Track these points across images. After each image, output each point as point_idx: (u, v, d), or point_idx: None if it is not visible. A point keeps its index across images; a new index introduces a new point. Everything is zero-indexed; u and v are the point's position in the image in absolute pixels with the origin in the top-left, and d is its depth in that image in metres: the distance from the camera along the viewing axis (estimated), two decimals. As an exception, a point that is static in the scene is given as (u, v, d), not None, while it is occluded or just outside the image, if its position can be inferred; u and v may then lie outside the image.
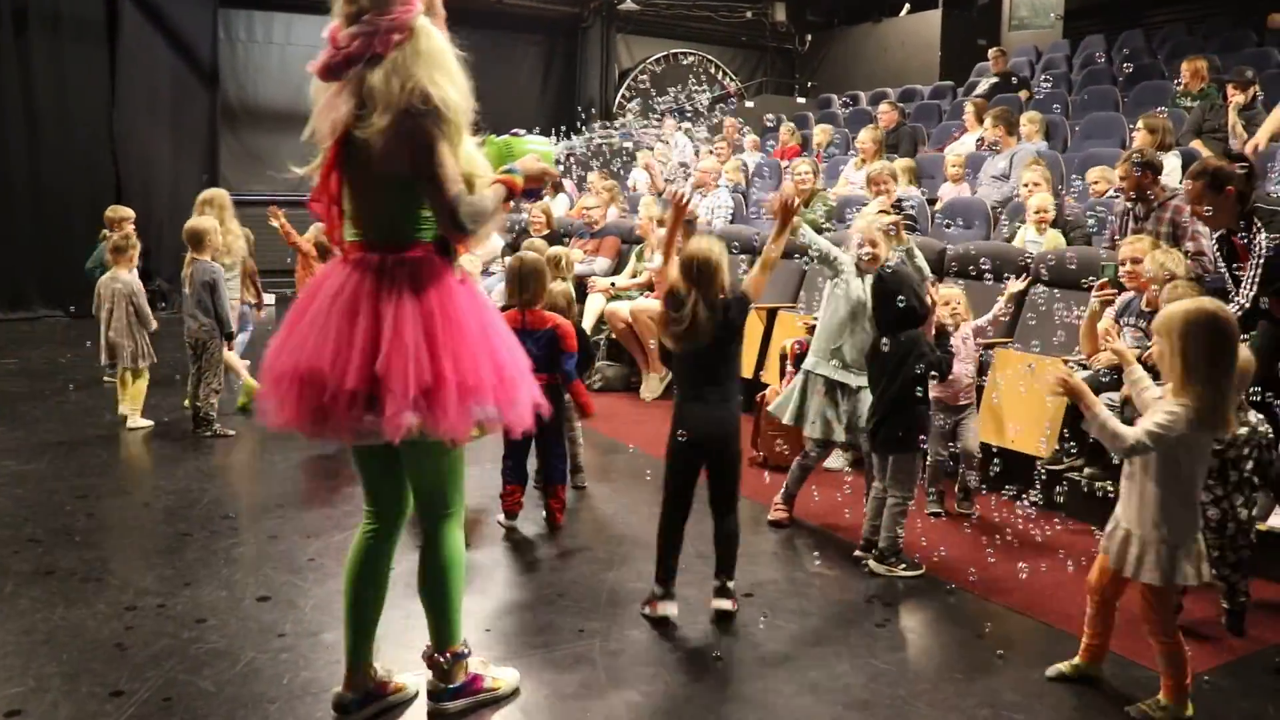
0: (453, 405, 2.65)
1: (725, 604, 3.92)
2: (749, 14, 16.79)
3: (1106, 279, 5.00)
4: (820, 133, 11.62)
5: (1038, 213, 6.58)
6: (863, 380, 4.73)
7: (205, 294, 6.43)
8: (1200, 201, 4.54)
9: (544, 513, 4.95)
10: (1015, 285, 4.79)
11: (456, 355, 2.68)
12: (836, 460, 5.84)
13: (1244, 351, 3.74)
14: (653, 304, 7.22)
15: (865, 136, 9.42)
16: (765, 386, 6.32)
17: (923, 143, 10.69)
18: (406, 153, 2.63)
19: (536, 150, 3.08)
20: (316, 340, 2.68)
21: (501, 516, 4.86)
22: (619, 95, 15.90)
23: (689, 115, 10.64)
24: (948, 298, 5.13)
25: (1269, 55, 9.67)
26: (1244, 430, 3.70)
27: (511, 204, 2.97)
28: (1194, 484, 3.16)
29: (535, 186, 3.03)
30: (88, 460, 5.88)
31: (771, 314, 7.09)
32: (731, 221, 9.37)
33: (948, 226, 7.78)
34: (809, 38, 17.66)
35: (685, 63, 16.37)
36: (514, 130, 3.18)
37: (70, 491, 5.27)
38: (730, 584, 3.96)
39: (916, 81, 14.07)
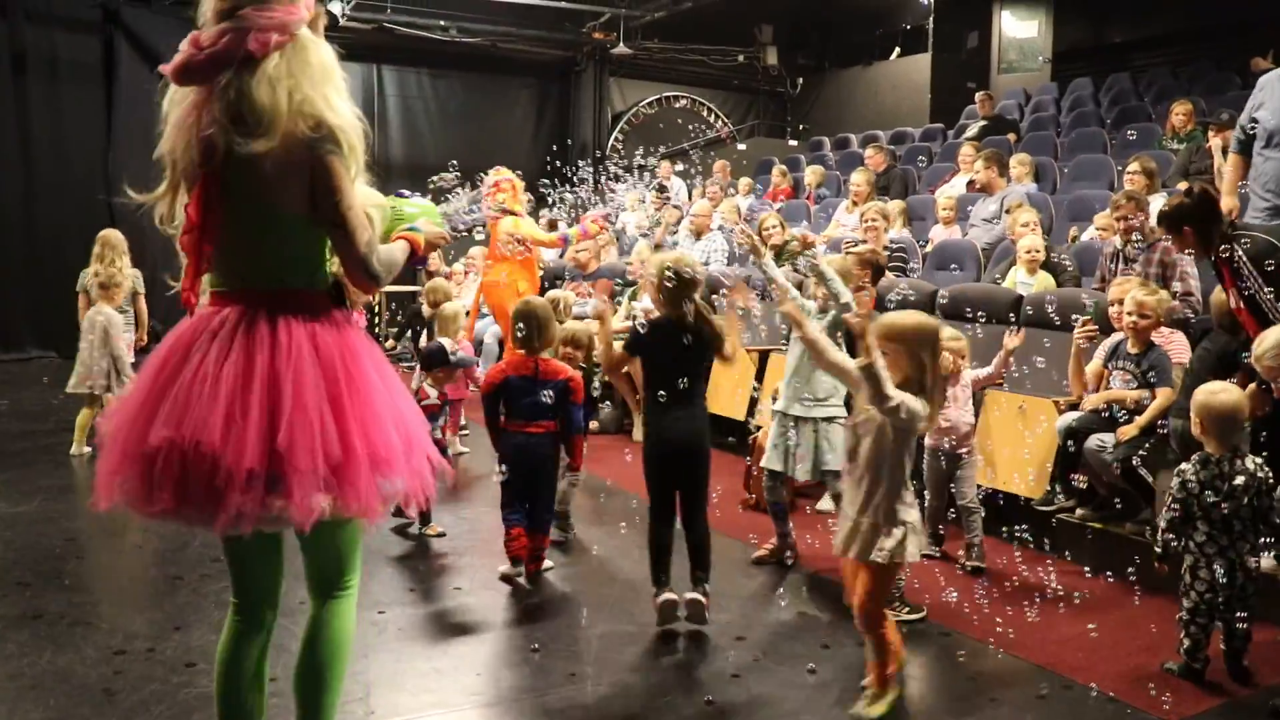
0: (365, 481, 2.32)
1: (698, 595, 4.12)
2: (741, 57, 16.95)
3: (1089, 316, 5.04)
4: (811, 174, 11.72)
5: (1028, 253, 6.63)
6: (829, 411, 4.83)
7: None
8: (1179, 246, 4.63)
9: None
10: (1013, 341, 4.79)
11: (365, 425, 2.34)
12: (827, 502, 5.83)
13: (1236, 393, 3.77)
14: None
15: (859, 179, 9.50)
16: (758, 429, 6.33)
17: (914, 185, 10.77)
18: (299, 186, 2.29)
19: (426, 211, 2.85)
20: (200, 411, 2.24)
21: (507, 565, 4.60)
22: (612, 138, 16.02)
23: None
24: (957, 349, 4.98)
25: (1253, 98, 9.77)
26: (1242, 478, 3.68)
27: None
28: (904, 469, 3.39)
29: (430, 253, 2.76)
30: (78, 503, 5.85)
31: (764, 356, 7.11)
32: (728, 263, 9.41)
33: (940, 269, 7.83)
34: (800, 81, 17.83)
35: (678, 106, 16.51)
36: (399, 191, 3.01)
37: (60, 534, 5.24)
38: (706, 585, 4.17)
39: (907, 124, 14.20)
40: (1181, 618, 3.79)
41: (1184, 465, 3.79)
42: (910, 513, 3.38)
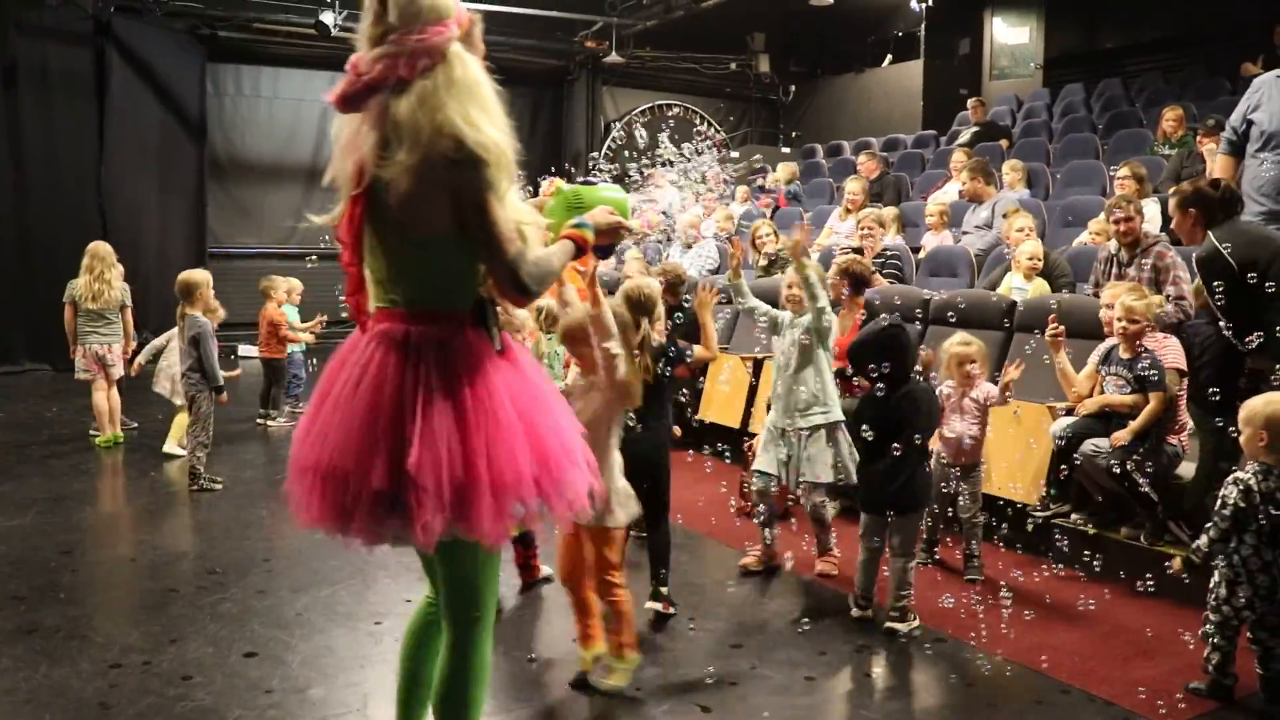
0: (487, 506, 2.29)
1: (657, 606, 4.31)
2: (733, 65, 16.99)
3: (1054, 314, 5.06)
4: (783, 170, 11.72)
5: (1029, 259, 6.62)
6: (811, 420, 4.84)
7: (192, 348, 6.43)
8: (1177, 224, 4.77)
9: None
10: (1013, 372, 4.77)
11: (492, 449, 2.31)
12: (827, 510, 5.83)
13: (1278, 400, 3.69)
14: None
15: (855, 186, 9.52)
16: (753, 436, 6.33)
17: (907, 192, 10.80)
18: (441, 206, 2.29)
19: (609, 200, 2.79)
20: (339, 434, 2.32)
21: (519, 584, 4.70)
22: (604, 147, 16.03)
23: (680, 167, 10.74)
24: (965, 355, 4.95)
25: (1244, 103, 9.81)
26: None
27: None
28: (610, 435, 3.58)
29: (607, 242, 2.67)
30: (73, 515, 5.84)
31: (758, 365, 7.11)
32: (715, 271, 9.42)
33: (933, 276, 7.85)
34: (793, 88, 17.87)
35: (670, 114, 16.53)
36: (585, 178, 2.94)
37: (55, 547, 5.23)
38: (664, 589, 4.35)
39: (900, 131, 14.25)
40: (1208, 632, 3.68)
41: (1241, 474, 3.65)
42: (618, 479, 3.57)
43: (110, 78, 12.01)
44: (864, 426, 4.29)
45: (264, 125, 14.55)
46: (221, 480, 6.57)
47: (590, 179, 2.94)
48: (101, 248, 7.85)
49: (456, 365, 2.34)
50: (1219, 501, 3.66)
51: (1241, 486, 3.62)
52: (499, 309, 2.48)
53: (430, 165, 2.24)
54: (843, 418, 4.86)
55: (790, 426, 4.89)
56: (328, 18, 12.72)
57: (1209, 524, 3.69)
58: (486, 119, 2.32)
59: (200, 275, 6.76)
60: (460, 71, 2.33)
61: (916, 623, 4.31)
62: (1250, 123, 5.58)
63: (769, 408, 5.10)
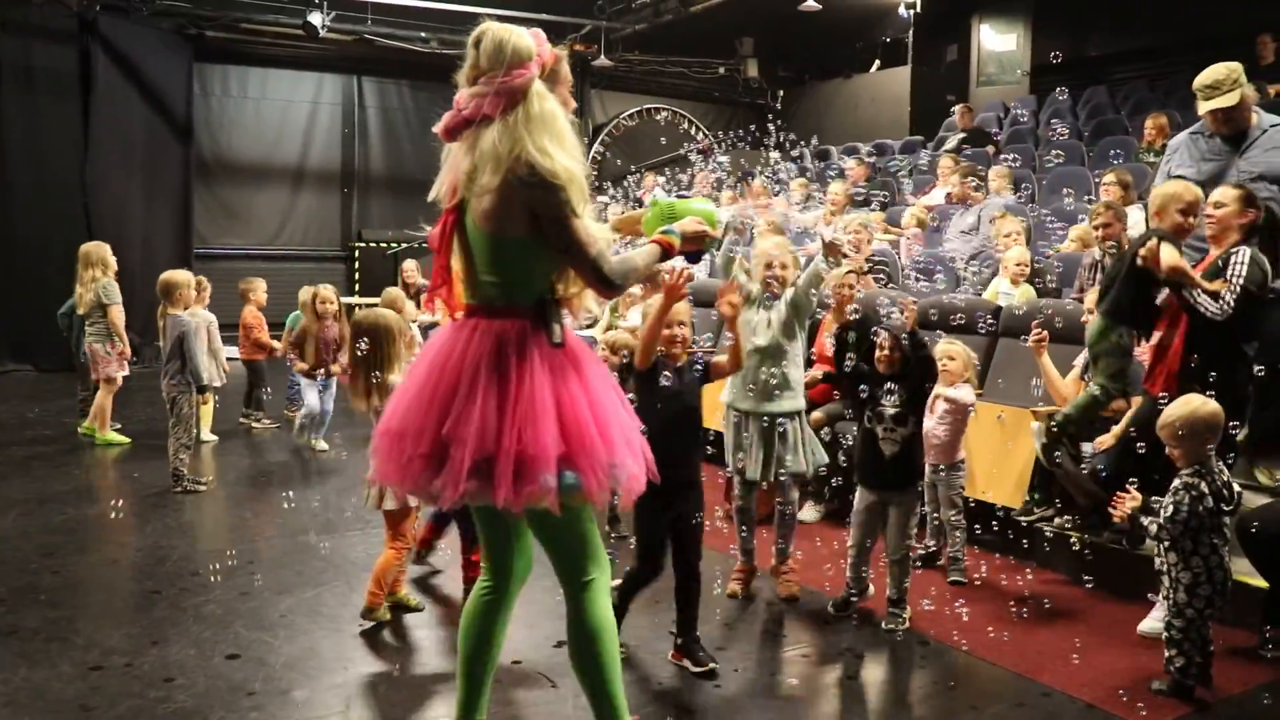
0: (506, 475, 2.62)
1: (689, 664, 3.95)
2: (722, 70, 17.01)
3: (1039, 320, 5.08)
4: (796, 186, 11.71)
5: (1018, 265, 6.63)
6: (782, 405, 4.62)
7: (176, 347, 6.41)
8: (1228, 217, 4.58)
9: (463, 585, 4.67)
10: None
11: (524, 425, 2.65)
12: (809, 513, 5.84)
13: (1212, 404, 3.78)
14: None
15: (837, 189, 9.54)
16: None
17: (895, 197, 10.82)
18: (520, 216, 2.68)
19: (698, 212, 3.08)
20: (404, 401, 2.78)
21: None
22: (592, 151, 16.04)
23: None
24: (946, 353, 4.99)
25: (1228, 112, 9.87)
26: (1236, 487, 3.73)
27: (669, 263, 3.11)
28: None
29: (693, 249, 3.03)
30: (54, 517, 5.81)
31: (706, 365, 7.06)
32: (711, 275, 9.41)
33: (916, 279, 7.86)
34: (781, 93, 17.90)
35: (659, 118, 16.54)
36: (680, 193, 3.19)
37: (36, 549, 5.20)
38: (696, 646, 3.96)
39: (887, 136, 14.27)
40: (1173, 636, 3.72)
41: (1188, 479, 3.70)
42: None
43: (95, 77, 11.92)
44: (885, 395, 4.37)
45: (251, 126, 14.51)
46: (206, 481, 6.55)
47: (685, 193, 3.17)
48: (84, 250, 7.93)
49: (506, 350, 2.71)
50: (1170, 508, 3.69)
51: (1194, 492, 3.67)
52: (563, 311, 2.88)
53: (508, 185, 2.66)
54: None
55: (754, 410, 4.65)
56: (315, 19, 12.69)
57: (1156, 520, 3.72)
58: (559, 148, 2.70)
59: (181, 275, 6.75)
60: (537, 108, 2.72)
61: (909, 614, 4.34)
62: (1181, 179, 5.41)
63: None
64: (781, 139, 11.88)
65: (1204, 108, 4.92)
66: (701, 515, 3.93)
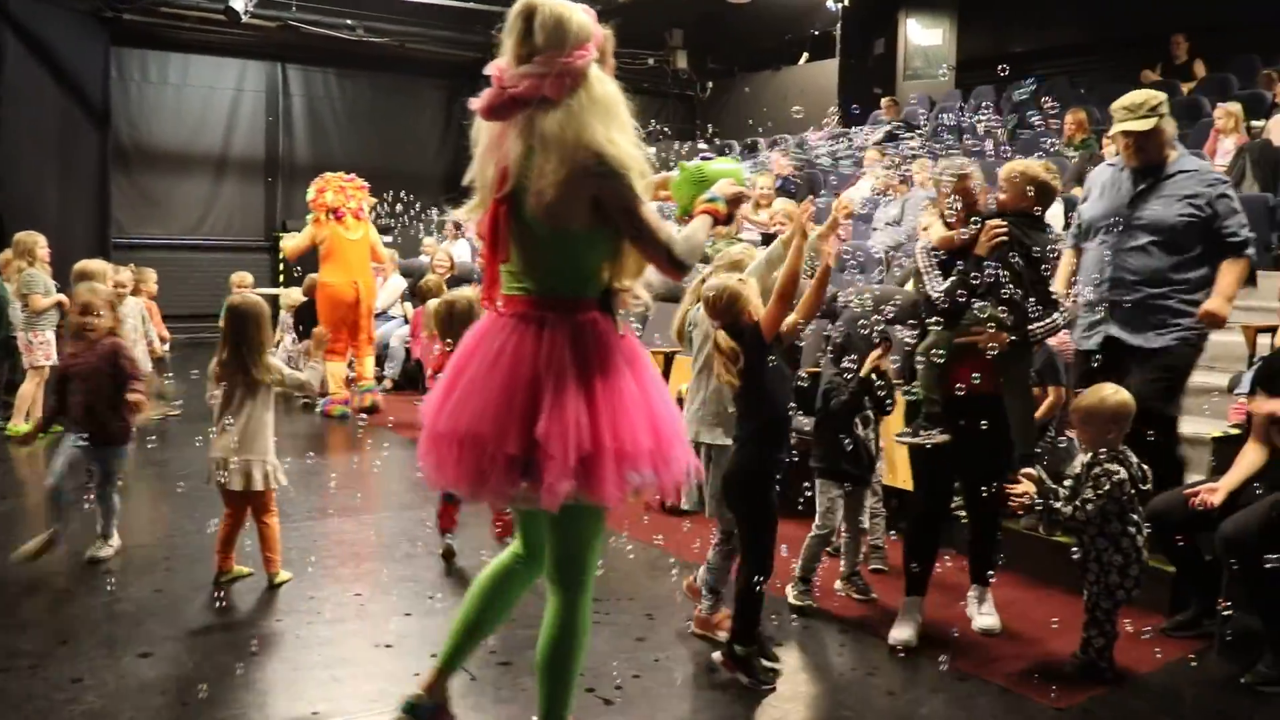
0: (610, 473, 2.57)
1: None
2: (651, 61, 17.02)
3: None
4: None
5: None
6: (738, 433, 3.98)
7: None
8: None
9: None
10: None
11: (615, 421, 2.59)
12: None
13: (1125, 394, 3.86)
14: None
15: (765, 182, 9.57)
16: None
17: (820, 189, 10.91)
18: (583, 206, 2.56)
19: (727, 172, 3.01)
20: (477, 403, 2.61)
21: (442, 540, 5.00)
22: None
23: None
24: None
25: (1144, 108, 10.12)
26: (1147, 469, 3.85)
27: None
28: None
29: (733, 211, 2.95)
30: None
31: (668, 359, 7.11)
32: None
33: (841, 271, 7.93)
34: (710, 85, 17.97)
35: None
36: (703, 155, 3.14)
37: (-59, 546, 5.04)
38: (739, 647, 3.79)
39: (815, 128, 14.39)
40: (1098, 618, 3.82)
41: (1109, 466, 3.77)
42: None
43: (6, 60, 11.57)
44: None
45: (171, 113, 14.23)
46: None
47: (707, 155, 3.13)
48: (15, 238, 7.92)
49: (587, 345, 2.63)
50: (1089, 493, 3.76)
51: (1115, 478, 3.75)
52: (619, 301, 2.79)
53: (575, 175, 2.52)
54: None
55: (712, 441, 4.17)
56: (238, 3, 12.44)
57: (1067, 504, 3.80)
58: (623, 135, 2.60)
59: (97, 265, 6.63)
60: (600, 91, 2.60)
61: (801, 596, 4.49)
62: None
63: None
64: (710, 131, 11.91)
65: (1115, 128, 4.75)
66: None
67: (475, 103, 2.65)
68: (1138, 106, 4.61)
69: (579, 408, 2.55)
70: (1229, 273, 4.49)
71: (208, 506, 5.78)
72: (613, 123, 2.59)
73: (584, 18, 2.64)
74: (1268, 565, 3.66)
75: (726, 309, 3.73)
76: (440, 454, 2.68)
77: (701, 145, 12.46)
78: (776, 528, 3.77)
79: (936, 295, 4.14)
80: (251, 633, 4.09)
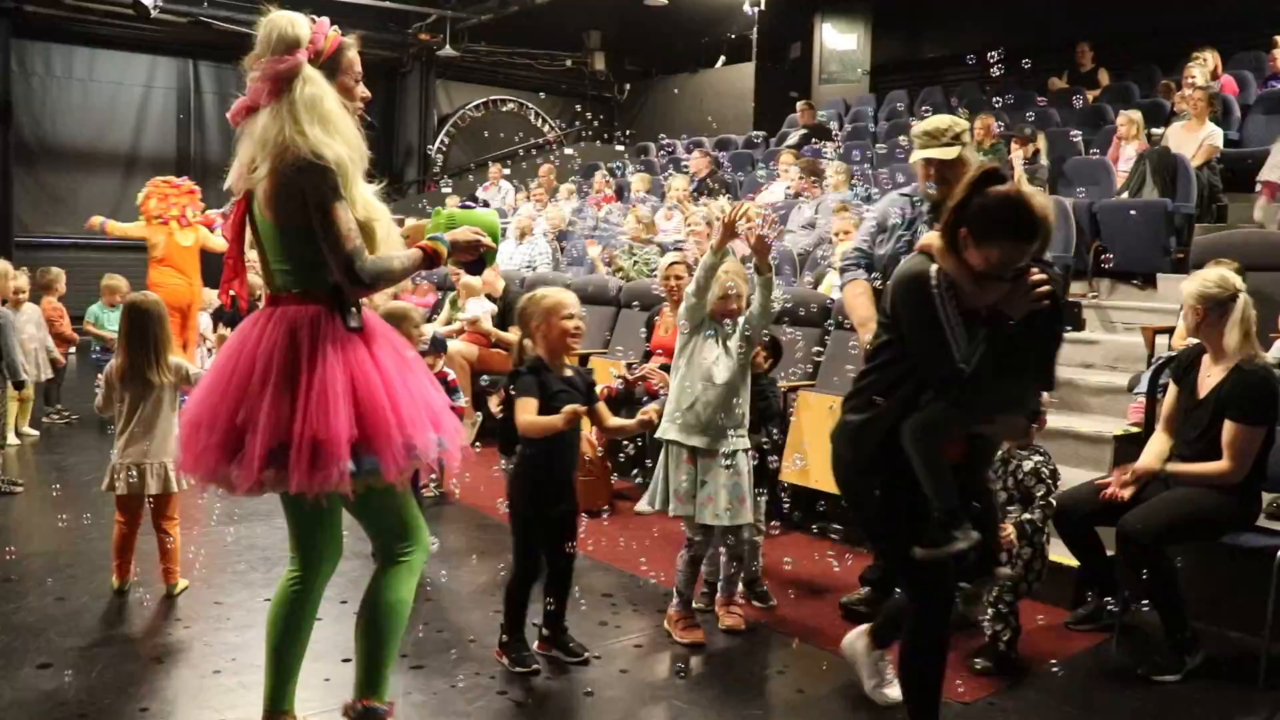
0: (302, 461, 2.63)
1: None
2: (569, 62, 17.03)
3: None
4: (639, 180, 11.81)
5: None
6: (735, 444, 4.10)
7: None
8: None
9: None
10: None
11: (311, 411, 2.66)
12: (645, 505, 5.86)
13: None
14: (468, 348, 7.20)
15: (680, 183, 9.67)
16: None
17: (736, 191, 11.00)
18: (296, 204, 2.68)
19: (478, 221, 3.07)
20: (204, 390, 2.79)
21: None
22: (438, 141, 15.84)
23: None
24: None
25: (1050, 115, 10.40)
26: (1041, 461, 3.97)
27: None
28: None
29: (466, 258, 3.03)
30: None
31: (583, 360, 7.13)
32: (553, 269, 9.43)
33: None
34: (628, 87, 18.02)
35: (505, 109, 16.44)
36: (465, 202, 3.17)
37: None
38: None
39: (731, 131, 14.52)
40: (1001, 611, 3.90)
41: (1032, 459, 3.94)
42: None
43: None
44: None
45: (78, 109, 13.87)
46: (22, 483, 6.23)
47: (469, 203, 3.17)
48: None
49: (299, 338, 2.72)
50: (998, 484, 3.89)
51: (1029, 466, 3.92)
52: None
53: (280, 173, 2.67)
54: None
55: (707, 447, 4.09)
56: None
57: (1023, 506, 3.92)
58: (323, 132, 2.70)
59: (-2, 265, 6.43)
60: (301, 93, 2.71)
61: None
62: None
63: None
64: (626, 133, 11.96)
65: (915, 155, 4.27)
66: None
67: (229, 113, 2.87)
68: (941, 132, 4.17)
69: (280, 397, 2.67)
70: None
71: (112, 513, 5.66)
72: (315, 121, 2.70)
73: (296, 27, 2.77)
74: (1163, 561, 3.81)
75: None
76: (184, 438, 2.82)
77: (619, 148, 12.50)
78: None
79: (960, 360, 2.84)
80: (157, 641, 4.02)
